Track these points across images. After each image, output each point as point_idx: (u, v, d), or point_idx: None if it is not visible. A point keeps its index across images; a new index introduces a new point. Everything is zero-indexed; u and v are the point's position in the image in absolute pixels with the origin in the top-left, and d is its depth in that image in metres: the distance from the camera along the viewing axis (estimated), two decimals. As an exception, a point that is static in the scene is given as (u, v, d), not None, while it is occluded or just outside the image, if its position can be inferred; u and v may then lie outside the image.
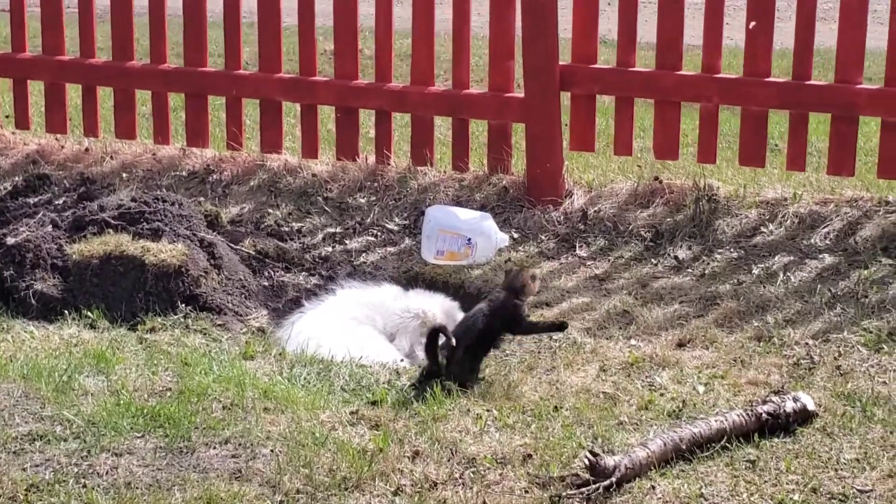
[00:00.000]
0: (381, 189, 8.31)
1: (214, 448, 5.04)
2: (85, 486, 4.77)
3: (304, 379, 5.83)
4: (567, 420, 5.45)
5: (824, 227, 7.50)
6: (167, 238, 6.81)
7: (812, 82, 7.69)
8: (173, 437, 5.08)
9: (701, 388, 5.75)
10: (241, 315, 6.69)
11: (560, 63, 7.97)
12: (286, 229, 7.94)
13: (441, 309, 6.74)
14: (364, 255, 7.67)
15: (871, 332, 6.27)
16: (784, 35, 7.89)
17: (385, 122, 8.52)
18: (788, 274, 7.05)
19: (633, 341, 6.37)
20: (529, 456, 5.09)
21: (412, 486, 4.87)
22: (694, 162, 8.16)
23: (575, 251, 7.55)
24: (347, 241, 7.82)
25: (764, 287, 6.91)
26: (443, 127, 9.00)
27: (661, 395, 5.72)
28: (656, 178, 8.03)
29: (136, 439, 5.09)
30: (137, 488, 4.75)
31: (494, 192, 8.10)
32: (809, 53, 7.66)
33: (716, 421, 5.24)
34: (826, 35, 7.89)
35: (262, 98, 8.74)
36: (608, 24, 8.05)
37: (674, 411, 5.54)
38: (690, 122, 8.32)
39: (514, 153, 8.32)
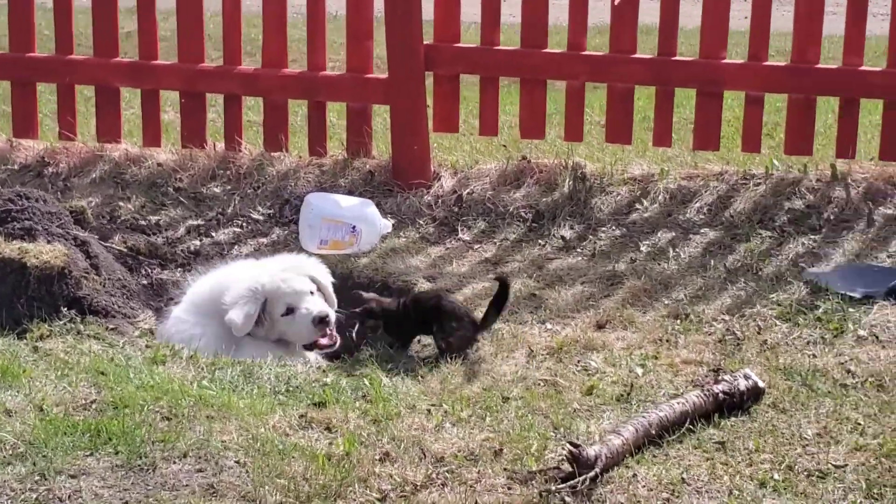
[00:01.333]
0: (236, 177, 7.95)
1: (175, 463, 4.68)
2: (51, 512, 4.35)
3: (230, 383, 5.47)
4: (520, 411, 5.28)
5: (696, 201, 7.54)
6: (42, 238, 6.32)
7: (679, 58, 7.69)
8: (127, 453, 4.69)
9: (639, 370, 5.67)
10: (129, 317, 6.27)
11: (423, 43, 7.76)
12: (143, 223, 7.51)
13: (274, 271, 6.22)
14: (236, 247, 7.32)
15: (781, 305, 6.31)
16: (649, 15, 7.87)
17: (234, 107, 8.15)
18: (677, 250, 7.05)
19: (548, 325, 6.24)
20: (500, 451, 4.91)
21: (394, 490, 4.63)
22: (558, 140, 8.06)
23: (457, 235, 7.38)
24: (214, 234, 7.44)
25: (658, 264, 6.90)
26: (295, 112, 8.66)
27: (601, 379, 5.61)
28: (524, 158, 7.92)
29: (87, 458, 4.68)
30: (111, 513, 4.36)
31: (360, 177, 7.84)
32: (674, 29, 7.66)
33: (678, 403, 5.16)
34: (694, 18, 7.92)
35: (97, 84, 8.22)
36: (474, 7, 7.86)
37: (622, 395, 5.44)
38: (552, 103, 8.21)
39: (374, 136, 8.06)
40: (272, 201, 7.71)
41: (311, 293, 6.11)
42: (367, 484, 4.62)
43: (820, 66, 7.55)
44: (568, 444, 4.75)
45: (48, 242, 6.25)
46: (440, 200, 7.63)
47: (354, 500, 4.56)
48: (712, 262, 6.88)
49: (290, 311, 6.08)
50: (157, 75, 8.09)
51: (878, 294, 6.33)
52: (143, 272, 6.70)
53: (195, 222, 7.55)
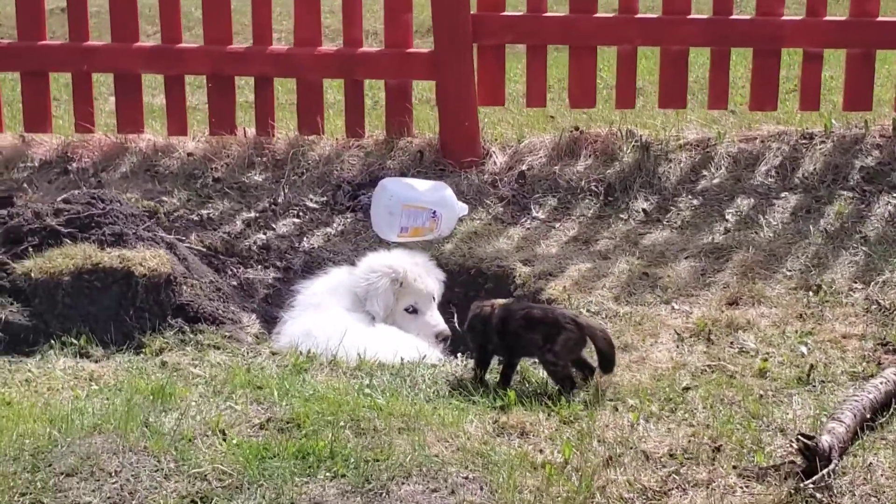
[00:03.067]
0: (273, 164, 7.53)
1: (404, 483, 4.33)
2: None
3: (391, 388, 5.12)
4: (706, 401, 5.01)
5: (762, 164, 7.36)
6: (131, 243, 5.83)
7: (736, 16, 7.49)
8: (352, 476, 4.31)
9: (803, 349, 5.46)
10: (235, 322, 5.84)
11: (469, 12, 7.42)
12: (194, 218, 7.03)
13: (412, 262, 6.08)
14: (305, 239, 6.89)
15: (909, 270, 6.15)
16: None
17: (266, 90, 7.71)
18: (767, 217, 6.86)
19: (675, 305, 6.00)
20: (718, 448, 4.64)
21: (638, 497, 4.34)
22: (608, 108, 7.81)
23: (530, 213, 7.08)
24: (274, 226, 7.01)
25: (755, 233, 6.71)
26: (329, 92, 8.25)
27: (766, 360, 5.38)
28: (577, 129, 7.64)
29: (309, 484, 4.30)
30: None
31: (408, 157, 7.48)
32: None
33: (881, 383, 4.96)
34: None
35: (117, 72, 7.70)
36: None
37: (800, 378, 5.21)
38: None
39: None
40: (322, 188, 7.31)
41: (434, 299, 5.83)
42: (607, 493, 4.33)
43: (880, 18, 7.39)
44: (800, 437, 4.51)
45: (147, 249, 5.76)
46: (500, 178, 7.32)
47: (607, 512, 4.25)
48: (809, 227, 6.69)
49: (414, 311, 5.80)
50: (184, 60, 7.60)
51: None
52: (230, 272, 6.25)
53: (249, 214, 7.12)
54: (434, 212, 6.69)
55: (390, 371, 5.30)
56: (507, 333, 5.15)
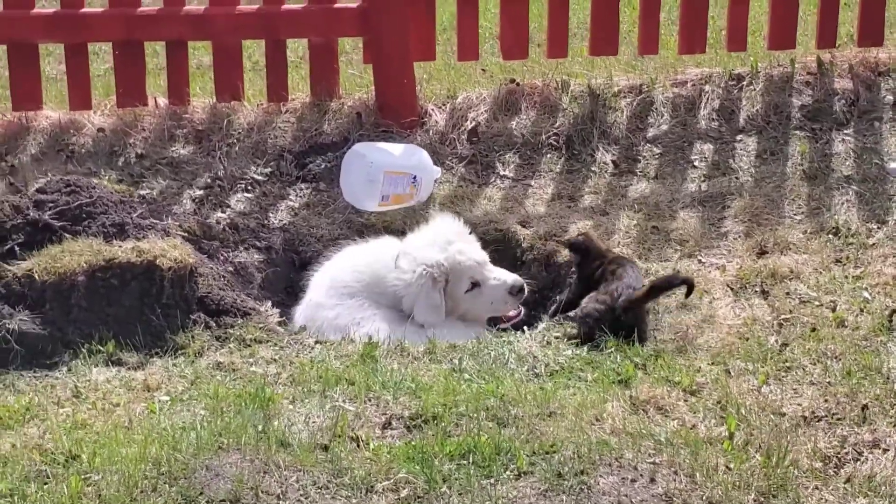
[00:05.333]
0: (195, 135, 6.95)
1: (601, 476, 4.01)
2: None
3: (485, 371, 4.76)
4: (812, 357, 4.87)
5: (702, 108, 7.25)
6: (134, 233, 5.24)
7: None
8: (540, 475, 3.95)
9: (866, 294, 5.38)
10: (258, 311, 5.32)
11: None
12: (136, 200, 6.35)
13: (447, 243, 5.50)
14: (272, 215, 6.38)
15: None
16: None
17: (179, 55, 7.09)
18: (736, 162, 6.77)
19: (701, 258, 5.82)
20: (866, 406, 4.50)
21: (829, 465, 4.15)
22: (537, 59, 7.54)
23: (497, 172, 6.76)
24: (229, 203, 6.46)
25: (735, 178, 6.62)
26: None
27: (835, 310, 5.26)
28: (513, 81, 7.34)
29: (498, 486, 3.90)
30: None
31: (347, 121, 7.03)
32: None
33: None
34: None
35: (11, 41, 6.93)
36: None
37: (883, 325, 5.12)
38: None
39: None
40: (263, 158, 6.78)
41: (489, 261, 5.42)
42: (798, 465, 4.11)
43: (804, -43, 7.37)
44: None
45: (154, 239, 5.16)
46: (449, 137, 6.96)
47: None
48: (785, 170, 6.64)
49: (476, 284, 5.33)
50: (89, 26, 6.89)
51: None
52: (221, 257, 5.68)
53: (194, 192, 6.53)
54: (414, 177, 6.28)
55: (465, 352, 4.90)
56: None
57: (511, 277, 5.38)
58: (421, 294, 5.31)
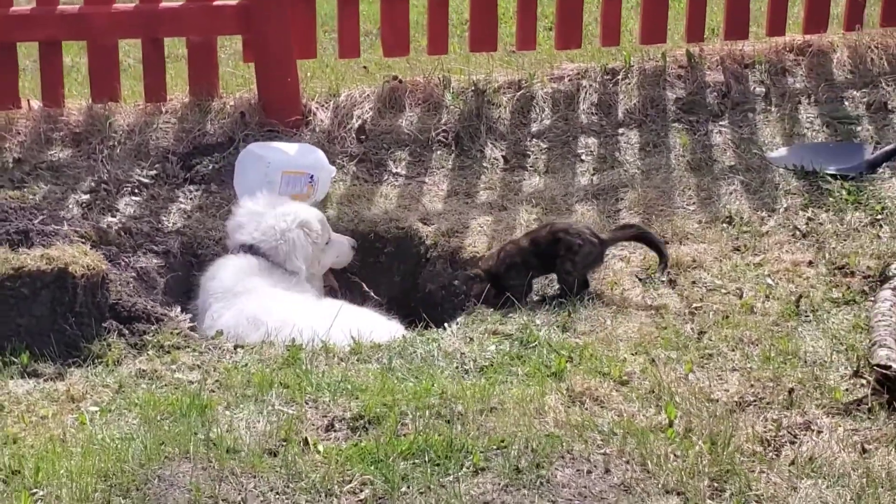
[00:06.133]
0: (72, 138, 6.80)
1: (557, 469, 4.02)
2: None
3: (414, 370, 4.76)
4: (730, 343, 4.98)
5: (581, 102, 7.36)
6: (39, 240, 5.10)
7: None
8: (494, 468, 3.98)
9: (769, 281, 5.51)
10: (169, 317, 5.23)
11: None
12: (20, 205, 6.18)
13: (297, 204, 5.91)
14: (164, 218, 6.25)
15: (802, 195, 6.30)
16: None
17: (53, 55, 6.91)
18: (622, 155, 6.88)
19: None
20: (792, 391, 4.60)
21: (768, 448, 4.25)
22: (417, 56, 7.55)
23: (390, 169, 6.75)
24: (118, 207, 6.31)
25: (623, 170, 6.72)
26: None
27: (742, 297, 5.39)
28: (395, 78, 7.33)
29: (460, 483, 3.90)
30: None
31: (230, 121, 6.94)
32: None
33: (892, 306, 5.08)
34: None
35: None
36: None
37: (791, 310, 5.23)
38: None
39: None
40: (147, 161, 6.65)
41: None
42: (741, 449, 4.20)
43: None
44: (877, 367, 4.56)
45: (62, 245, 5.02)
46: (335, 135, 6.92)
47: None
48: (670, 161, 6.76)
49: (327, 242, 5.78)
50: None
51: (857, 169, 6.48)
52: (123, 262, 5.55)
53: (79, 196, 6.36)
54: (311, 176, 6.23)
55: (392, 351, 4.88)
56: (540, 254, 5.38)
57: (345, 238, 5.89)
58: (298, 244, 5.56)
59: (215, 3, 6.92)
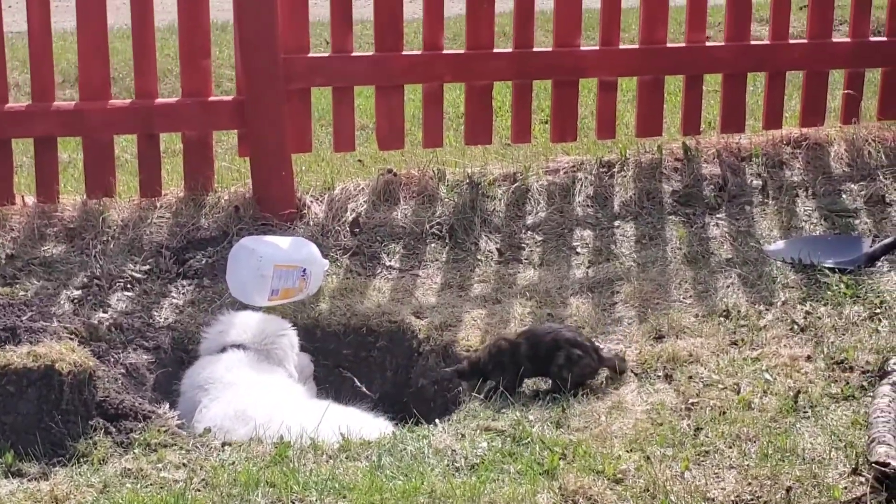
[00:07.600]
0: (66, 234, 6.77)
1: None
2: None
3: (405, 468, 4.67)
4: (727, 440, 4.89)
5: (576, 195, 7.34)
6: (26, 336, 5.06)
7: (538, 49, 7.43)
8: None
9: (767, 376, 5.44)
10: (157, 414, 5.16)
11: (275, 56, 6.96)
12: (11, 302, 6.15)
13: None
14: (156, 313, 6.20)
15: (800, 289, 6.24)
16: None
17: (48, 151, 6.91)
18: (618, 247, 6.84)
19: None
20: (789, 489, 4.52)
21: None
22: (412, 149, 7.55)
23: (383, 262, 6.72)
24: (110, 302, 6.26)
25: (619, 263, 6.67)
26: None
27: (741, 392, 5.30)
28: (390, 171, 7.32)
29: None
30: None
31: (224, 215, 6.92)
32: (531, 19, 7.37)
33: (891, 401, 5.01)
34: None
35: None
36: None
37: (790, 406, 5.13)
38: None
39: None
40: (141, 256, 6.62)
41: None
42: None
43: (669, 45, 7.55)
44: (875, 465, 4.47)
45: (49, 342, 4.97)
46: (329, 229, 6.90)
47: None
48: (666, 254, 6.72)
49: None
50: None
51: (856, 263, 6.43)
52: (112, 359, 5.50)
53: (70, 293, 6.32)
54: (304, 270, 6.17)
55: (382, 448, 4.81)
56: (536, 357, 5.33)
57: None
58: (292, 350, 5.66)
59: (211, 98, 6.92)
